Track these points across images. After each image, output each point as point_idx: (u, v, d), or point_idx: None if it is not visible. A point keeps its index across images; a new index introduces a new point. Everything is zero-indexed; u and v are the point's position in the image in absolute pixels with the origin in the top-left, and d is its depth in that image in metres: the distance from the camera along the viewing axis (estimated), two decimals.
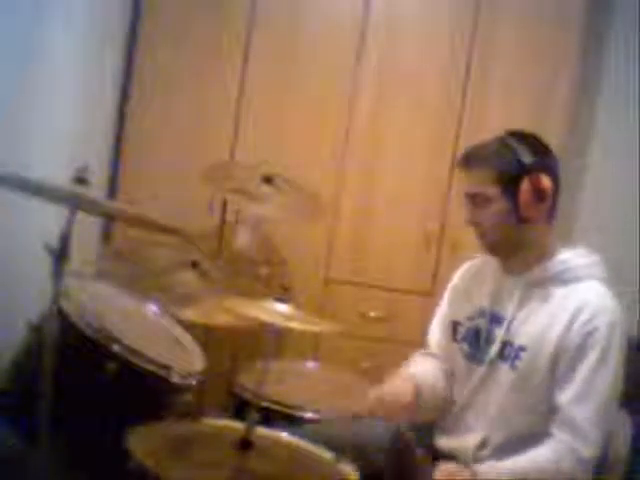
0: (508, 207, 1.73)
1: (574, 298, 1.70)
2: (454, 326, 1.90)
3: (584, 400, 1.66)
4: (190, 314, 2.29)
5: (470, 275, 1.94)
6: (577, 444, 1.66)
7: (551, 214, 1.78)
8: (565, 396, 1.68)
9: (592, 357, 1.66)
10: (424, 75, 2.93)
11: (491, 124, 2.82)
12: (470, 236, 2.84)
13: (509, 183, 1.71)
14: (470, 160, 1.77)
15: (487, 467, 1.71)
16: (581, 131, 3.04)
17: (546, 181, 1.71)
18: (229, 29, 2.92)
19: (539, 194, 1.71)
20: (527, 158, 1.71)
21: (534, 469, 1.68)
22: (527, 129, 1.81)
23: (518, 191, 1.71)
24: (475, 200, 1.77)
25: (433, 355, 1.95)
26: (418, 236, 2.94)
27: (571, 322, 1.68)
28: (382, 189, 2.94)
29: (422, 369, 1.90)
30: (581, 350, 1.67)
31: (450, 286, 1.98)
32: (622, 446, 1.93)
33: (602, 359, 1.66)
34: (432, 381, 1.87)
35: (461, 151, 2.85)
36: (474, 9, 2.87)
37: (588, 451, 1.66)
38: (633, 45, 2.97)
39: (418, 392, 1.78)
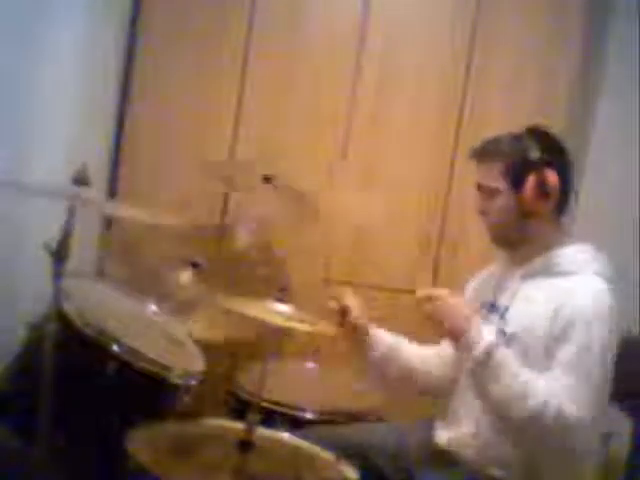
0: (513, 201, 1.77)
1: (561, 290, 1.71)
2: None
3: (567, 374, 1.62)
4: (190, 328, 2.28)
5: (486, 274, 1.98)
6: (563, 400, 1.60)
7: (559, 210, 1.81)
8: (549, 373, 1.65)
9: (573, 344, 1.63)
10: (424, 75, 2.93)
11: (491, 124, 2.81)
12: (470, 236, 2.88)
13: (515, 177, 1.75)
14: (481, 152, 1.82)
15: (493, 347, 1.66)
16: (581, 129, 3.04)
17: (552, 178, 1.74)
18: (229, 29, 2.92)
19: (544, 190, 1.74)
20: (535, 153, 1.75)
21: (524, 388, 1.62)
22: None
23: (523, 186, 1.74)
24: (484, 192, 1.81)
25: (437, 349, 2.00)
26: (418, 236, 2.94)
27: (556, 314, 1.68)
28: (382, 189, 2.94)
29: (409, 345, 2.00)
30: (562, 337, 1.65)
31: (468, 285, 2.01)
32: (622, 445, 1.93)
33: (585, 346, 1.63)
34: (407, 354, 1.97)
35: (461, 151, 2.93)
36: (475, 6, 2.87)
37: (570, 409, 1.59)
38: (633, 43, 2.97)
39: (387, 350, 1.93)
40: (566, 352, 1.64)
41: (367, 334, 1.93)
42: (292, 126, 2.93)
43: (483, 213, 1.84)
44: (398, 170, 2.93)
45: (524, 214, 1.77)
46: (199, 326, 2.30)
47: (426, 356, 2.01)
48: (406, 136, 2.94)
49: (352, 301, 1.91)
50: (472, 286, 2.00)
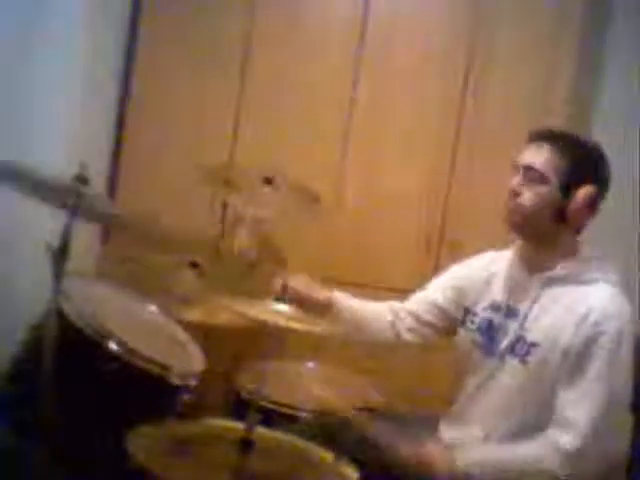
0: (557, 199, 1.74)
1: (585, 299, 1.71)
2: (466, 312, 1.93)
3: (582, 403, 1.65)
4: (190, 314, 2.29)
5: (492, 266, 1.94)
6: (564, 439, 1.64)
7: (581, 227, 1.80)
8: (565, 396, 1.67)
9: (598, 362, 1.65)
10: (424, 75, 2.93)
11: (492, 123, 2.82)
12: (470, 236, 2.87)
13: (573, 180, 1.73)
14: (550, 137, 1.76)
15: (471, 453, 1.72)
16: (581, 129, 3.03)
17: (600, 200, 1.76)
18: (229, 29, 2.93)
19: (591, 206, 1.74)
20: (602, 172, 1.76)
21: (516, 463, 1.67)
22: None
23: (576, 192, 1.72)
24: (529, 174, 1.75)
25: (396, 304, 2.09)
26: (418, 236, 2.94)
27: (580, 323, 1.68)
28: (382, 189, 2.94)
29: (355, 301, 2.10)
30: (587, 353, 1.66)
31: (472, 268, 1.99)
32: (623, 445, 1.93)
33: (609, 364, 1.65)
34: (358, 307, 2.08)
35: (462, 151, 2.93)
36: (475, 6, 2.87)
37: (574, 444, 1.62)
38: (634, 42, 2.97)
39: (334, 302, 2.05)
40: (594, 366, 1.65)
41: (328, 307, 2.04)
42: (292, 126, 2.93)
43: (516, 193, 1.76)
44: (398, 170, 2.94)
45: (557, 215, 1.74)
46: (199, 312, 2.29)
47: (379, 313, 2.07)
48: (406, 136, 2.94)
49: (296, 280, 2.00)
50: (484, 273, 1.94)
